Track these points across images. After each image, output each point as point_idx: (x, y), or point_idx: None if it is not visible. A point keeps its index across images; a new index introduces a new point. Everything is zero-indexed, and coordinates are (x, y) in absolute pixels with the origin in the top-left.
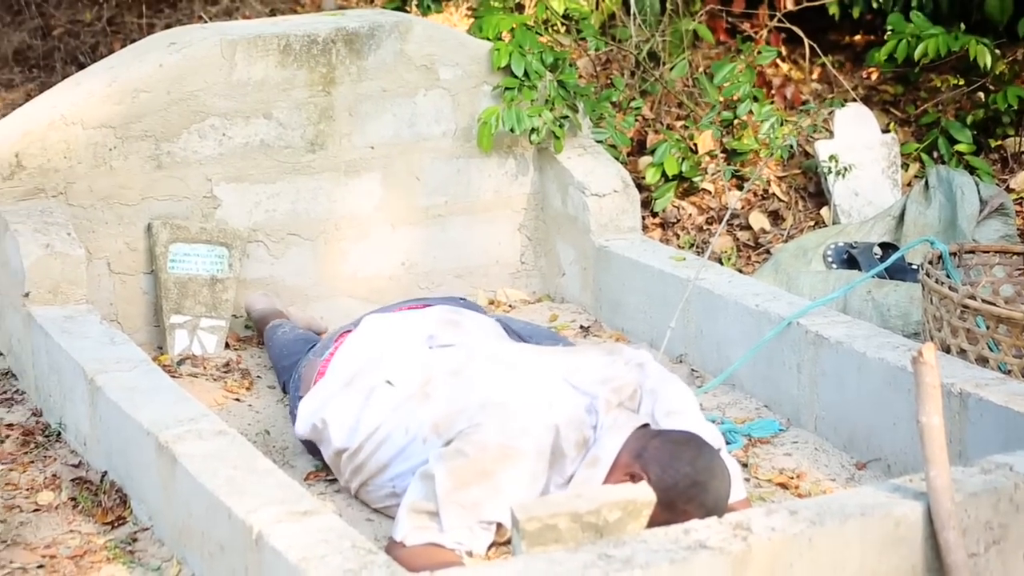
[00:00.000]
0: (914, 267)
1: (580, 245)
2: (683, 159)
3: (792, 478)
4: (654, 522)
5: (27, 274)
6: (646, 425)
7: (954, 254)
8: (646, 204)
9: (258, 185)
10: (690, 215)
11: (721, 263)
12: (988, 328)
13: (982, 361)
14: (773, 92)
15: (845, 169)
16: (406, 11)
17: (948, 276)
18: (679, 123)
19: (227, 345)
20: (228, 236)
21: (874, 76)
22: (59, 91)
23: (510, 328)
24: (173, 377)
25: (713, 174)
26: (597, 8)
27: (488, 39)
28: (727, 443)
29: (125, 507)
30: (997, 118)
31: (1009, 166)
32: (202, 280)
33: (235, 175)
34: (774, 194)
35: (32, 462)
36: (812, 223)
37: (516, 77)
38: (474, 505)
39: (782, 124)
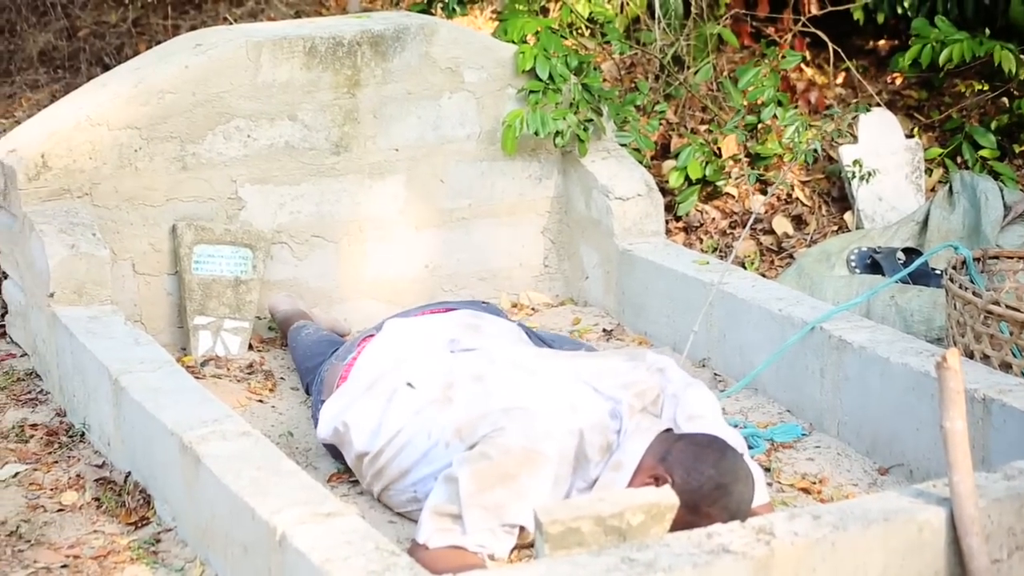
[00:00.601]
0: (938, 272)
1: (603, 249)
2: (707, 163)
3: (814, 483)
4: (677, 525)
5: (52, 274)
6: (669, 430)
7: (978, 259)
8: (669, 208)
9: (282, 187)
10: (713, 219)
11: (744, 267)
12: (1012, 334)
13: (1005, 367)
14: (797, 97)
15: (869, 174)
16: (431, 14)
17: (972, 281)
18: (703, 127)
19: (250, 346)
20: (252, 238)
21: (898, 81)
22: (85, 92)
23: (531, 333)
24: (196, 378)
25: (737, 178)
26: (622, 11)
27: (513, 42)
28: (749, 447)
29: (148, 507)
30: (1021, 123)
31: None
32: (226, 281)
33: (260, 177)
34: (798, 199)
35: (56, 462)
36: (835, 228)
37: (541, 80)
38: (497, 508)
39: (806, 129)
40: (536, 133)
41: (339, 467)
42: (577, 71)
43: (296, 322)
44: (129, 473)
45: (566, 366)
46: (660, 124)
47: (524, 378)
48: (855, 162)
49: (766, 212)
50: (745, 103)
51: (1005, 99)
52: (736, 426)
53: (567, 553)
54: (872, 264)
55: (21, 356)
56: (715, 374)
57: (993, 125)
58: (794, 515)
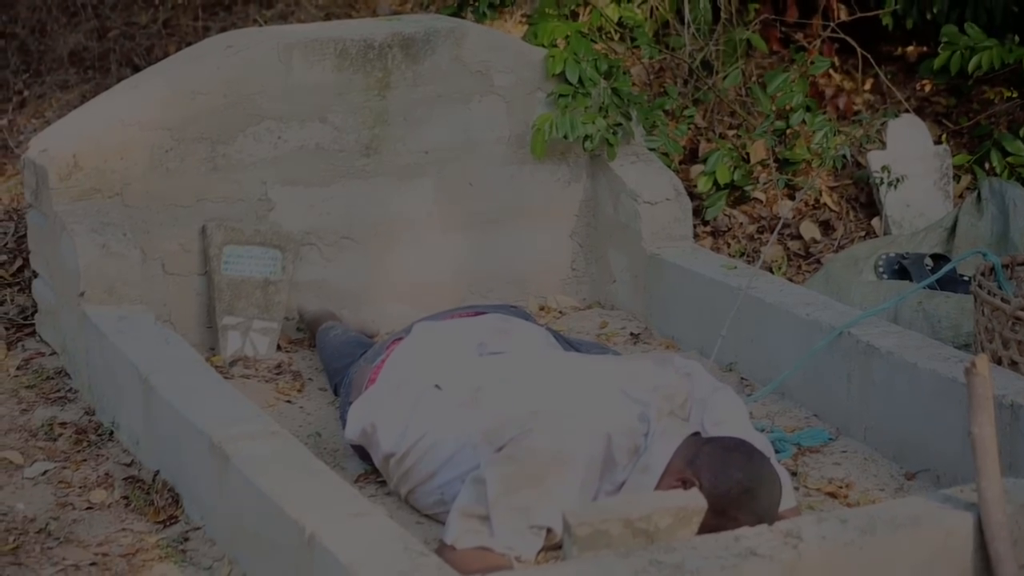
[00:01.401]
0: (966, 279)
1: (631, 252)
2: (735, 168)
3: (841, 487)
4: (704, 528)
5: (82, 274)
6: (697, 433)
7: (1006, 266)
8: (697, 212)
9: (312, 188)
10: (741, 224)
11: (772, 272)
12: None
13: None
14: (826, 102)
15: (897, 180)
16: (461, 17)
17: (1000, 288)
18: (731, 132)
19: (279, 347)
20: (282, 239)
21: (927, 87)
22: (116, 93)
23: (560, 337)
24: (225, 378)
25: (765, 183)
26: (651, 16)
27: (543, 46)
28: (776, 452)
29: (177, 506)
30: None
31: None
32: (255, 282)
33: (290, 178)
34: (825, 204)
35: (85, 460)
36: (863, 233)
37: (570, 84)
38: (525, 510)
39: (835, 134)
40: (565, 137)
41: (367, 468)
42: (607, 75)
43: (324, 323)
44: (158, 472)
45: (594, 370)
46: (689, 129)
47: (552, 382)
48: (883, 168)
49: (794, 217)
50: (774, 108)
51: None
52: (763, 430)
53: (595, 555)
54: (900, 270)
55: (50, 354)
56: (742, 378)
57: (1022, 132)
58: (821, 519)
